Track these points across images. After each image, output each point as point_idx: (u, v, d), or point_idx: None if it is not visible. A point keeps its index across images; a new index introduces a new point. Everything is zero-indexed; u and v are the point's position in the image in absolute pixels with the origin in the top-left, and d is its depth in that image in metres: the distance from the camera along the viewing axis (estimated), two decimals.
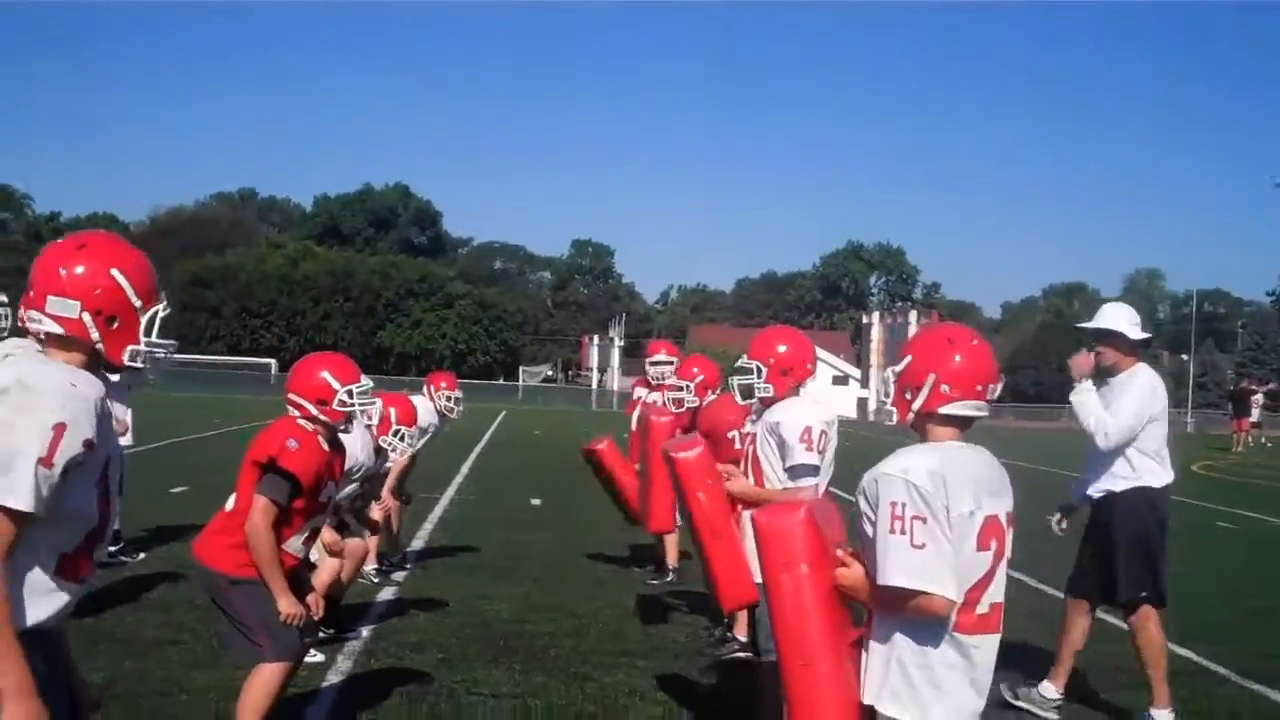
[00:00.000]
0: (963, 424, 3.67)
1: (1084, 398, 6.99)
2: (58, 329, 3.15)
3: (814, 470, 5.92)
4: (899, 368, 3.73)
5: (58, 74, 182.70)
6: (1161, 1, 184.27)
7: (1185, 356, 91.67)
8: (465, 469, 22.47)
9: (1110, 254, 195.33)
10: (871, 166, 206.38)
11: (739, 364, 6.27)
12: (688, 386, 9.44)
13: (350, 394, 5.69)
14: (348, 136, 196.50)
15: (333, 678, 7.40)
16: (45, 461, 2.92)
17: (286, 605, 5.45)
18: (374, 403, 5.68)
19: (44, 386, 2.99)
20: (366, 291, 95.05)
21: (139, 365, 3.24)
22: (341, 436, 7.98)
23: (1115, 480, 7.03)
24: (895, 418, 3.75)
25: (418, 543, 12.87)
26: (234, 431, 30.92)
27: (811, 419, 5.94)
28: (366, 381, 5.77)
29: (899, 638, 3.51)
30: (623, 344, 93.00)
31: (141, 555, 10.96)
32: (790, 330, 6.62)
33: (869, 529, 3.52)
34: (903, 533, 3.39)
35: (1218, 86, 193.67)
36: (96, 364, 3.21)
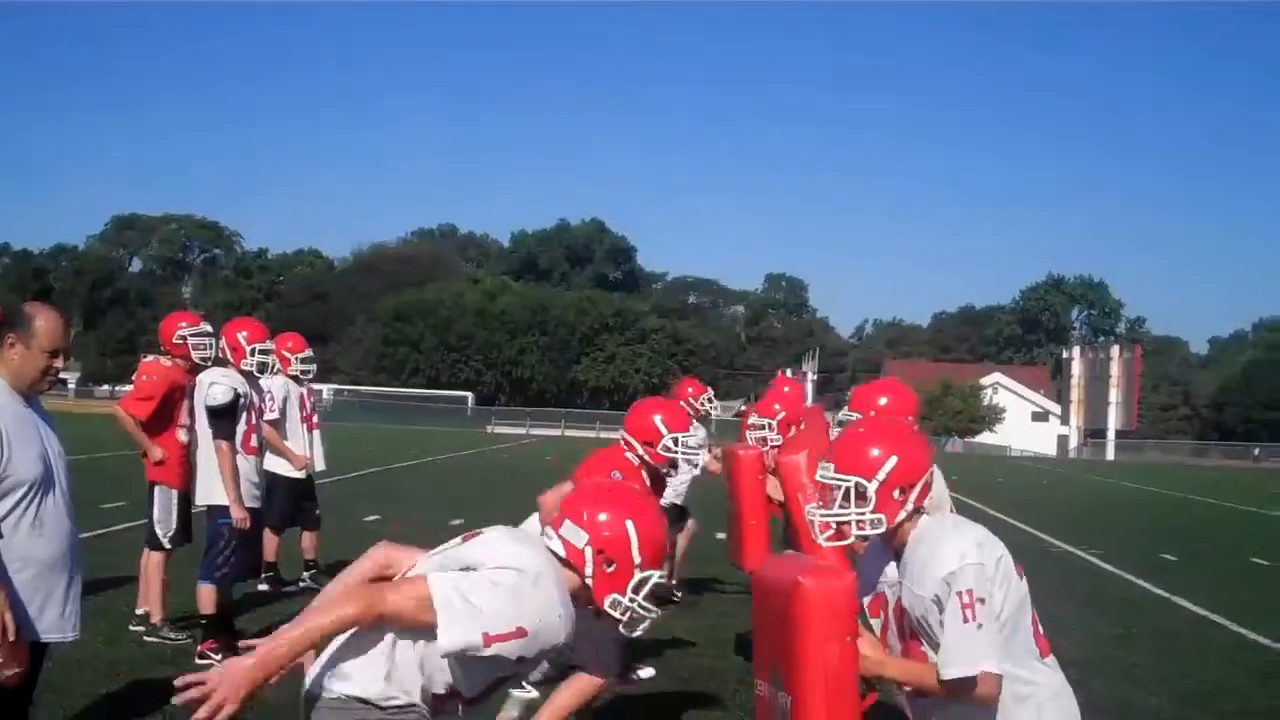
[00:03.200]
0: None
1: None
2: (560, 550, 3.42)
3: None
4: (888, 468, 3.50)
5: (261, 117, 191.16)
6: None
7: None
8: None
9: None
10: (1073, 197, 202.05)
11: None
12: (769, 424, 8.23)
13: (675, 441, 5.91)
14: (545, 173, 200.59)
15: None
16: (486, 641, 3.14)
17: None
18: (698, 453, 5.87)
19: (543, 596, 3.26)
20: (562, 326, 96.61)
21: (615, 615, 3.46)
22: None
23: None
24: (883, 524, 3.50)
25: None
26: (430, 463, 31.71)
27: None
28: (698, 432, 5.86)
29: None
30: (815, 378, 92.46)
31: (302, 582, 10.67)
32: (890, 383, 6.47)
33: (930, 624, 3.44)
34: (973, 620, 3.33)
35: None
36: (588, 598, 3.44)
